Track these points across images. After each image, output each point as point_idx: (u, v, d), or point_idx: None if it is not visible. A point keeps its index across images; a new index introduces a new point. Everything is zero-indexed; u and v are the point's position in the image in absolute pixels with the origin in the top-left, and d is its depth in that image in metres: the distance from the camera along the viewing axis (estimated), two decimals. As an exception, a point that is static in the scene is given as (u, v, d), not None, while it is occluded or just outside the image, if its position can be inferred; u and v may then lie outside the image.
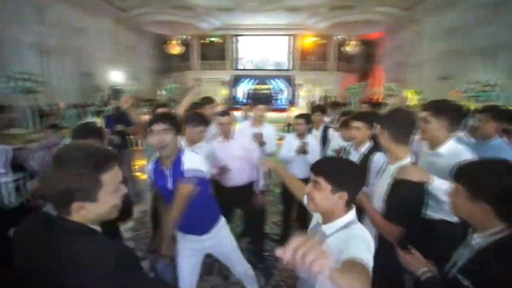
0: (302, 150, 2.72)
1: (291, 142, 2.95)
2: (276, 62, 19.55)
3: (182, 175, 1.58)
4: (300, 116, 2.92)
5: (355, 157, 2.18)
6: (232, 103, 18.09)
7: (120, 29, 14.23)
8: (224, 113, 2.49)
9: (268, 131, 3.10)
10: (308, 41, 18.57)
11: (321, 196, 1.05)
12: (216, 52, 19.36)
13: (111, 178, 0.80)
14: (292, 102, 18.05)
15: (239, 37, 18.99)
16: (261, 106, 3.02)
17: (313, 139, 2.98)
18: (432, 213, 1.60)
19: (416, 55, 13.07)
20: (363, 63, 18.95)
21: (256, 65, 19.66)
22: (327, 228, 1.10)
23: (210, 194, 1.91)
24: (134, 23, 14.40)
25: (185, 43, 18.04)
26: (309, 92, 18.77)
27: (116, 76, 13.59)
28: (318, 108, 3.75)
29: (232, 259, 2.01)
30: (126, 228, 3.44)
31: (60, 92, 10.19)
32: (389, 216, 1.37)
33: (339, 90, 17.50)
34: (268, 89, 19.71)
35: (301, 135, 2.89)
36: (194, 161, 1.62)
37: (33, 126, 5.14)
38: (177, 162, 1.62)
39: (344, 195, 1.04)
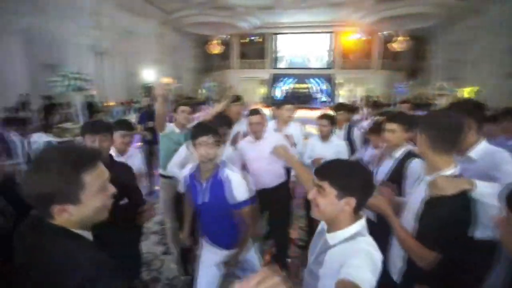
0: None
1: (315, 145, 2.79)
2: (316, 61, 19.07)
3: (222, 193, 1.56)
4: (323, 116, 2.74)
5: (388, 164, 1.95)
6: (270, 102, 18.06)
7: (165, 31, 15.04)
8: (255, 112, 2.40)
9: (294, 131, 2.97)
10: (351, 38, 17.73)
11: (326, 202, 0.96)
12: (255, 51, 19.50)
13: (94, 177, 0.75)
14: (331, 102, 17.46)
15: (278, 36, 18.89)
16: (288, 106, 2.89)
17: (337, 140, 2.81)
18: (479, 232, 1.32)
19: (475, 51, 11.70)
20: (411, 60, 17.53)
21: (295, 64, 19.37)
22: (331, 238, 1.00)
23: None
24: (178, 25, 15.06)
25: (225, 43, 18.44)
26: (350, 92, 17.94)
27: (160, 76, 14.40)
28: (343, 107, 3.51)
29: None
30: (153, 221, 3.57)
31: (111, 90, 11.11)
32: (422, 238, 1.14)
33: (382, 89, 16.45)
34: (307, 88, 19.29)
35: (325, 137, 2.71)
36: (242, 191, 1.59)
37: (83, 121, 5.68)
38: (215, 176, 1.58)
39: (352, 201, 0.94)
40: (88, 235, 0.80)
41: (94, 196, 0.75)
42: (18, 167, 4.84)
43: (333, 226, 1.01)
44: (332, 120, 2.74)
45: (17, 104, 7.81)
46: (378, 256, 0.90)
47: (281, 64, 19.61)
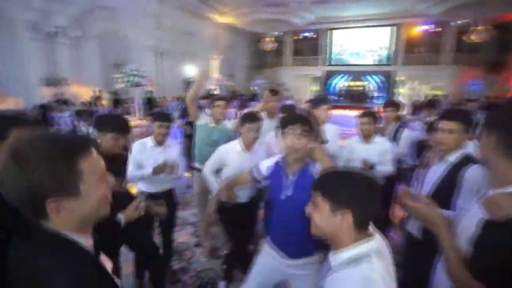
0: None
1: (354, 147, 2.53)
2: (373, 56, 17.70)
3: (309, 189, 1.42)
4: (364, 114, 2.49)
5: (438, 170, 1.63)
6: (316, 100, 17.43)
7: (220, 30, 15.59)
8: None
9: (330, 131, 2.74)
10: (416, 30, 15.98)
11: (321, 217, 0.87)
12: (309, 48, 18.99)
13: (92, 164, 0.65)
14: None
15: (333, 31, 18.04)
16: (325, 106, 2.70)
17: (381, 140, 2.52)
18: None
19: None
20: (493, 53, 14.89)
21: (350, 60, 18.31)
22: (334, 258, 0.87)
23: None
24: (232, 24, 15.46)
25: (279, 40, 18.36)
26: (412, 90, 16.22)
27: (214, 73, 15.03)
28: (391, 104, 3.17)
29: None
30: (190, 213, 3.69)
31: (170, 87, 11.96)
32: (473, 265, 0.89)
33: (452, 87, 14.50)
34: (363, 86, 18.06)
35: (366, 137, 2.44)
36: None
37: (140, 114, 6.28)
38: (305, 170, 1.45)
39: (347, 215, 0.81)
40: (85, 240, 0.69)
41: (94, 186, 0.65)
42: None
43: (335, 245, 0.88)
44: (374, 118, 2.47)
45: (91, 98, 8.93)
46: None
47: (335, 61, 18.71)
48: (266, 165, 1.63)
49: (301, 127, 1.39)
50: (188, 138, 4.30)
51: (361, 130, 2.50)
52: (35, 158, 0.58)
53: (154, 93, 10.09)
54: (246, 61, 19.12)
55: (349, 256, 0.81)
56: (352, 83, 18.34)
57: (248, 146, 2.10)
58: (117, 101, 8.16)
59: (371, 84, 17.88)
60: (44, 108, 5.99)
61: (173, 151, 2.36)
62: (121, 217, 1.40)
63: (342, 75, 18.54)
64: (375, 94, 17.56)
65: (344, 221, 0.82)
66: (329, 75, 18.70)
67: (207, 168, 2.20)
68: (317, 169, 1.45)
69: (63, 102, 8.05)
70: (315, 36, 18.56)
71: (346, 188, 0.84)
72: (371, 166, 2.34)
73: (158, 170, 2.06)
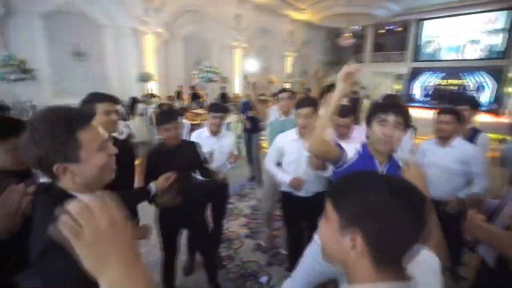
0: None
1: (428, 150, 2.17)
2: (476, 50, 14.73)
3: None
4: (445, 111, 2.07)
5: None
6: (406, 100, 15.52)
7: (297, 26, 15.47)
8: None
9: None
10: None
11: (326, 233, 0.61)
12: (393, 42, 17.21)
13: (90, 136, 0.75)
14: (498, 103, 13.24)
15: (424, 22, 15.80)
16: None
17: (464, 144, 2.09)
18: None
19: None
20: None
21: (444, 55, 15.74)
22: None
23: None
24: (310, 20, 15.12)
25: (358, 35, 17.14)
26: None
27: (288, 70, 15.05)
28: (465, 101, 2.48)
29: None
30: (246, 205, 3.78)
31: (245, 84, 12.58)
32: None
33: None
34: (459, 84, 15.30)
35: (444, 139, 2.05)
36: None
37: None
38: (392, 160, 1.40)
39: (356, 236, 0.54)
40: None
41: (93, 155, 0.75)
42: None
43: (347, 276, 0.60)
44: (457, 116, 2.04)
45: (175, 93, 10.04)
46: None
47: (426, 56, 16.35)
48: (350, 150, 1.48)
49: (396, 117, 1.27)
50: (248, 132, 4.44)
51: (439, 130, 2.09)
52: (42, 130, 0.70)
53: (228, 89, 10.71)
54: (322, 57, 18.51)
55: None
56: (444, 81, 15.76)
57: (303, 132, 2.03)
58: (194, 96, 9.07)
59: (471, 82, 14.95)
60: (134, 100, 7.04)
61: (227, 141, 2.46)
62: (152, 186, 1.58)
63: (432, 72, 16.09)
64: (477, 94, 14.43)
65: (355, 247, 0.54)
66: (416, 72, 16.48)
67: (269, 162, 2.22)
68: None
69: (151, 96, 9.30)
70: (400, 29, 16.65)
71: (357, 196, 0.56)
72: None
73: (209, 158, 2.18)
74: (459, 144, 2.07)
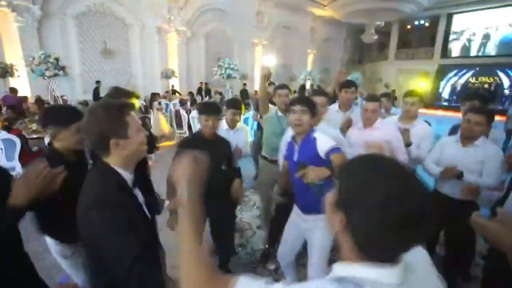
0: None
1: (447, 147, 2.11)
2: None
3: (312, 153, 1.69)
4: (478, 110, 1.93)
5: None
6: (435, 99, 14.85)
7: (318, 23, 15.27)
8: (372, 98, 2.25)
9: (421, 131, 2.42)
10: None
11: (328, 209, 0.61)
12: (419, 38, 16.56)
13: (132, 119, 0.99)
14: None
15: (454, 16, 14.97)
16: (411, 99, 2.45)
17: (489, 146, 1.94)
18: None
19: None
20: None
21: (476, 51, 14.85)
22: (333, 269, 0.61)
23: None
24: (331, 16, 14.87)
25: (382, 31, 16.59)
26: None
27: (308, 67, 14.90)
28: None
29: (311, 260, 1.80)
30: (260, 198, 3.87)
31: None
32: None
33: None
34: (491, 82, 14.31)
35: (468, 139, 1.96)
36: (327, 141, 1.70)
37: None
38: (306, 142, 1.74)
39: (340, 218, 0.55)
40: (126, 174, 1.01)
41: (136, 133, 0.99)
42: (184, 135, 6.43)
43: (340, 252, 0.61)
44: (491, 119, 1.90)
45: (197, 90, 10.33)
46: None
47: (456, 52, 15.52)
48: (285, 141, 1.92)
49: (302, 107, 1.70)
50: (261, 130, 4.46)
51: (465, 129, 1.95)
52: (101, 113, 0.95)
53: (248, 86, 10.84)
54: (344, 55, 18.14)
55: (337, 275, 0.55)
56: (475, 79, 14.83)
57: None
58: (208, 92, 9.57)
59: (504, 79, 13.93)
60: (154, 95, 7.39)
61: (241, 135, 2.56)
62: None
63: (462, 69, 15.20)
64: (509, 91, 13.50)
65: (341, 226, 0.55)
66: (444, 69, 15.65)
67: (280, 157, 2.32)
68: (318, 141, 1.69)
69: (173, 92, 9.62)
70: (427, 25, 15.91)
71: (347, 178, 0.56)
72: (459, 174, 1.89)
73: None
74: (482, 144, 1.93)
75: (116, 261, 0.87)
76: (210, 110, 2.01)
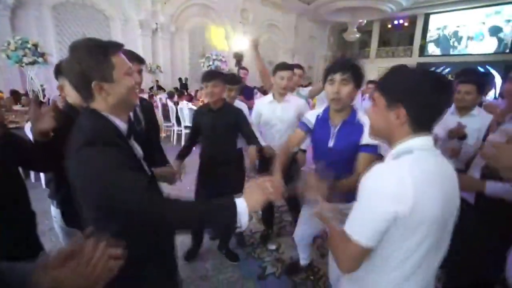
0: (457, 134, 1.88)
1: (447, 119, 1.98)
2: (486, 43, 14.57)
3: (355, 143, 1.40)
4: (465, 80, 1.96)
5: None
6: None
7: (302, 21, 15.45)
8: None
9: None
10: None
11: (376, 115, 0.84)
12: (399, 37, 17.15)
13: (120, 60, 0.86)
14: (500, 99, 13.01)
15: (431, 16, 15.66)
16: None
17: (482, 113, 2.00)
18: None
19: None
20: None
21: (451, 50, 15.60)
22: (387, 156, 0.84)
23: None
24: (315, 15, 15.09)
25: (364, 30, 17.05)
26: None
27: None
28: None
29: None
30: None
31: (251, 75, 12.62)
32: None
33: None
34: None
35: (463, 109, 1.99)
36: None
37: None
38: (348, 124, 1.44)
39: (400, 111, 0.76)
40: (120, 123, 0.90)
41: (123, 76, 0.86)
42: (172, 128, 6.28)
43: (390, 142, 0.84)
44: (480, 88, 1.95)
45: (180, 85, 10.17)
46: (409, 182, 0.69)
47: (432, 51, 16.23)
48: (312, 115, 1.64)
49: (342, 75, 1.34)
50: None
51: (458, 100, 1.99)
52: (82, 51, 0.82)
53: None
54: (328, 52, 18.45)
55: (392, 154, 0.79)
56: (449, 77, 15.52)
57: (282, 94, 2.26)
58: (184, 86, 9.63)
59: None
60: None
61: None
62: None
63: (439, 67, 15.88)
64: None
65: (398, 120, 0.77)
66: (423, 67, 15.67)
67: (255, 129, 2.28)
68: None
69: (159, 88, 9.41)
70: (406, 24, 16.52)
71: (403, 82, 0.77)
72: (464, 134, 1.88)
73: None
74: (478, 113, 1.99)
75: (126, 193, 0.76)
76: (209, 76, 1.93)
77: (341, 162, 1.41)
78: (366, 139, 1.35)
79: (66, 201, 1.32)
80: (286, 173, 1.52)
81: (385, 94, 0.79)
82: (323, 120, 1.54)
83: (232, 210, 0.81)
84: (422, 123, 0.77)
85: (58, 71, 1.40)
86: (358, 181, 1.26)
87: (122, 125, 0.91)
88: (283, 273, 2.16)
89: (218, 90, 1.94)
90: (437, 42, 16.00)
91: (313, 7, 14.21)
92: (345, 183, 1.29)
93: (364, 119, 1.40)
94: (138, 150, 0.99)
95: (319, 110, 1.67)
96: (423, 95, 0.73)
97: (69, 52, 0.84)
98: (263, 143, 2.10)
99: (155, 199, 0.81)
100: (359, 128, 1.39)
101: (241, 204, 0.83)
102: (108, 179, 0.76)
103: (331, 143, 1.45)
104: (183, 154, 2.12)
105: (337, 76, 1.34)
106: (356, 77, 1.35)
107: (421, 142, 0.76)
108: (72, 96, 1.34)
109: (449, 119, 2.01)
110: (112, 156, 0.78)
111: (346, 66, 1.35)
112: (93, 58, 0.82)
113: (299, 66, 2.88)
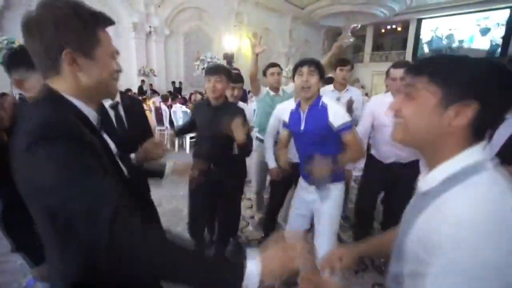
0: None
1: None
2: (476, 47, 14.82)
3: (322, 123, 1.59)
4: (399, 65, 2.06)
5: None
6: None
7: (296, 25, 15.53)
8: (400, 64, 2.22)
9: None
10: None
11: (419, 110, 0.59)
12: (392, 42, 17.33)
13: (107, 38, 0.70)
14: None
15: (423, 21, 15.90)
16: None
17: None
18: None
19: None
20: None
21: (443, 53, 15.82)
22: (432, 177, 0.60)
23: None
24: (309, 18, 15.17)
25: (358, 34, 17.20)
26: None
27: (287, 68, 15.03)
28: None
29: (319, 228, 1.72)
30: (251, 191, 3.71)
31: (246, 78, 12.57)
32: None
33: None
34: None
35: None
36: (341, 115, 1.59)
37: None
38: (313, 107, 1.64)
39: (469, 109, 0.53)
40: (88, 110, 0.70)
41: (107, 57, 0.70)
42: (165, 132, 6.13)
43: (432, 157, 0.60)
44: None
45: (173, 88, 10.04)
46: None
47: (424, 55, 16.45)
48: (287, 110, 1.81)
49: (309, 67, 1.57)
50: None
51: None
52: (66, 10, 0.62)
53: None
54: (321, 57, 18.53)
55: (461, 167, 0.55)
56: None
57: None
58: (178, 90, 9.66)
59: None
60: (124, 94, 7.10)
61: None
62: None
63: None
64: None
65: (459, 119, 0.54)
66: None
67: (268, 139, 2.21)
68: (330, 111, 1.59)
69: (153, 91, 9.27)
70: (400, 29, 16.74)
71: (475, 71, 0.54)
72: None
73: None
74: None
75: (86, 217, 0.52)
76: (213, 69, 1.84)
77: (314, 144, 1.61)
78: (336, 121, 1.54)
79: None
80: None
81: (444, 86, 0.55)
82: (295, 111, 1.73)
83: (239, 272, 0.60)
84: (485, 128, 0.56)
85: (12, 61, 1.12)
86: (355, 155, 1.57)
87: (91, 113, 0.71)
88: (282, 286, 2.04)
89: (221, 86, 1.84)
90: (429, 46, 16.22)
91: (307, 12, 14.29)
92: (345, 158, 1.54)
93: (327, 101, 1.60)
94: (112, 144, 0.81)
95: (291, 104, 1.89)
96: (503, 89, 0.53)
97: (45, 5, 0.62)
98: (272, 164, 2.14)
99: (135, 226, 0.57)
100: (323, 110, 1.58)
101: (254, 267, 0.61)
102: (65, 194, 0.53)
103: (302, 127, 1.65)
104: (181, 129, 2.29)
105: (305, 68, 1.57)
106: (320, 69, 1.59)
107: (484, 156, 0.55)
108: (35, 91, 1.04)
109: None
110: (81, 155, 0.57)
111: (311, 61, 1.61)
112: (76, 23, 0.63)
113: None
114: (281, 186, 2.31)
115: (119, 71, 0.76)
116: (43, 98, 0.65)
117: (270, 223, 2.50)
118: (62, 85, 0.66)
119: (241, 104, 2.39)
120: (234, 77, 2.23)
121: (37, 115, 0.60)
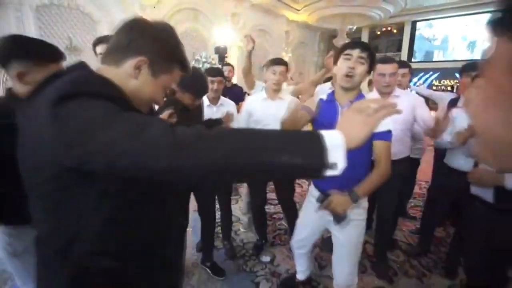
0: None
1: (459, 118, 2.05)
2: (470, 49, 14.99)
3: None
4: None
5: None
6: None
7: (292, 27, 15.53)
8: (387, 60, 2.21)
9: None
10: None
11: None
12: (387, 44, 17.38)
13: (174, 77, 0.88)
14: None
15: (417, 23, 16.01)
16: None
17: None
18: None
19: None
20: None
21: (439, 55, 15.95)
22: None
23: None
24: (305, 21, 15.19)
25: (354, 36, 17.26)
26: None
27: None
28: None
29: (338, 259, 1.49)
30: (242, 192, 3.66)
31: (239, 81, 12.52)
32: None
33: None
34: (452, 85, 15.42)
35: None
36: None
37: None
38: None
39: None
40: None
41: (162, 87, 0.80)
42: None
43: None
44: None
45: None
46: None
47: (420, 57, 16.56)
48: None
49: (361, 52, 1.28)
50: None
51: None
52: (174, 34, 0.91)
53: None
54: (317, 59, 18.57)
55: None
56: (436, 82, 15.88)
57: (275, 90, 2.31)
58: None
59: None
60: None
61: (226, 109, 2.34)
62: None
63: (427, 73, 16.25)
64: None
65: None
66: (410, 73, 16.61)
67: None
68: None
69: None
70: (395, 30, 16.84)
71: None
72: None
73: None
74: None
75: (141, 143, 0.50)
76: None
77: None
78: (382, 125, 1.23)
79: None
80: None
81: None
82: (328, 102, 1.43)
83: (316, 141, 0.53)
84: None
85: (9, 51, 1.10)
86: (380, 177, 1.25)
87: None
88: (283, 286, 1.98)
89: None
90: (424, 48, 16.33)
91: (303, 13, 14.32)
92: (369, 184, 1.27)
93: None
94: None
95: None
96: None
97: (164, 27, 0.83)
98: None
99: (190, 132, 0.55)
100: None
101: (333, 135, 0.56)
102: (111, 128, 0.51)
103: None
104: None
105: (356, 52, 1.29)
106: (371, 60, 1.30)
107: None
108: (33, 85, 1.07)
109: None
110: (106, 105, 0.56)
111: (366, 46, 1.30)
112: (169, 50, 0.80)
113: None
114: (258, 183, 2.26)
115: (157, 102, 0.85)
116: (82, 72, 0.69)
117: (261, 224, 2.45)
118: (111, 74, 0.71)
119: (229, 101, 2.38)
120: (212, 71, 2.25)
121: (64, 80, 0.61)
